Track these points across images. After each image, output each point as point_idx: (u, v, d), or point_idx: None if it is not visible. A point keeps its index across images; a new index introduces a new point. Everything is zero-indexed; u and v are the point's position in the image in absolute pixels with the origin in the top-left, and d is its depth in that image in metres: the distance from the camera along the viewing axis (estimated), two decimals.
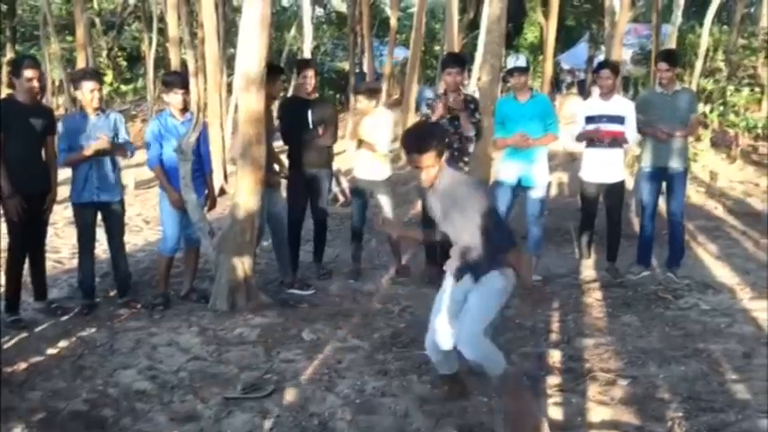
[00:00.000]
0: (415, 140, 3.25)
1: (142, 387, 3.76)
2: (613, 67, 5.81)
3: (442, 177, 3.27)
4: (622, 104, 5.66)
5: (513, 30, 22.27)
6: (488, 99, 5.69)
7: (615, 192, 5.78)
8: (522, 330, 4.64)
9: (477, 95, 6.73)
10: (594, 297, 5.41)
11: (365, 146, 5.69)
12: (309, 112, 5.58)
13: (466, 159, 5.52)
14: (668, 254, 5.89)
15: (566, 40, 26.51)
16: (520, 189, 5.63)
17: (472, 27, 20.50)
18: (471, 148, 5.61)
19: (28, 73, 4.62)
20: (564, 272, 6.06)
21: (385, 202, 5.83)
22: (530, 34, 26.94)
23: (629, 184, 7.04)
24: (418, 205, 7.28)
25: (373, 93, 5.89)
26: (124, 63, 24.43)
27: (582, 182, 5.90)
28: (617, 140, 5.57)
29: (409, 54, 16.02)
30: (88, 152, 4.79)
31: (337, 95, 22.20)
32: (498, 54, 5.73)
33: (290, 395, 3.64)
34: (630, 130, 5.57)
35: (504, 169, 5.64)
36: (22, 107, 4.65)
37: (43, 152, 4.83)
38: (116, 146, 4.94)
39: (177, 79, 5.24)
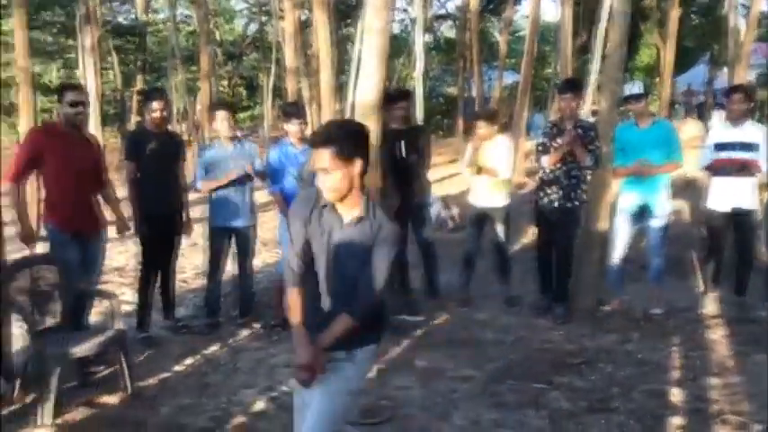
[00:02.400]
0: (324, 130, 2.44)
1: (263, 407, 3.88)
2: (746, 91, 5.54)
3: (369, 207, 2.45)
4: (755, 131, 5.37)
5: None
6: (607, 125, 5.51)
7: (745, 222, 5.48)
8: (644, 366, 4.46)
9: (591, 120, 6.60)
10: (720, 333, 5.12)
11: (485, 172, 5.66)
12: (402, 143, 5.63)
13: (584, 188, 5.42)
14: None
15: (683, 61, 25.52)
16: (640, 218, 5.45)
17: (583, 51, 20.13)
18: (589, 178, 5.49)
19: (155, 104, 4.96)
20: (686, 305, 5.77)
21: (501, 229, 5.81)
22: (645, 56, 26.14)
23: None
24: (533, 231, 7.16)
25: (494, 118, 5.89)
26: (243, 91, 25.57)
27: (709, 211, 5.63)
28: (749, 169, 5.29)
29: (520, 78, 15.91)
30: (225, 180, 5.08)
31: (445, 120, 22.30)
32: (618, 79, 5.55)
33: (405, 423, 3.66)
34: (764, 158, 5.28)
35: (625, 198, 5.48)
36: (152, 135, 5.00)
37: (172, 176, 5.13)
38: (257, 172, 5.21)
39: (295, 109, 5.47)
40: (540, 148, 5.52)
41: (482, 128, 5.70)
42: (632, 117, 5.56)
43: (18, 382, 3.96)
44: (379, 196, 5.16)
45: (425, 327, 5.34)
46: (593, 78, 12.07)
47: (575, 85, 5.65)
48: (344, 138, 2.36)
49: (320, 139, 2.38)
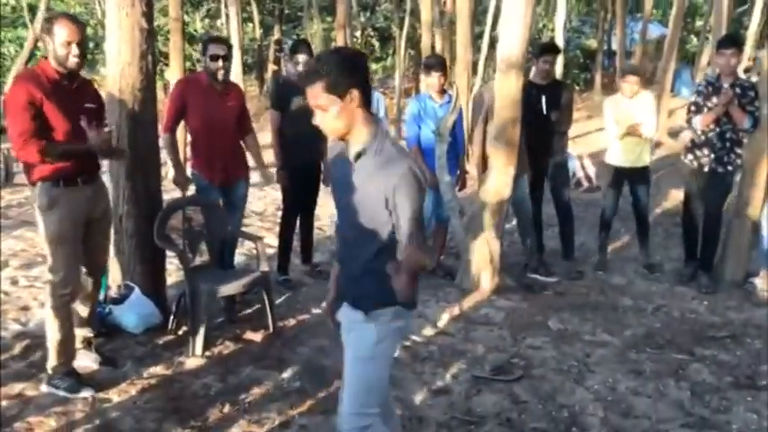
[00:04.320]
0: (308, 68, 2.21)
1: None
2: None
3: (373, 143, 2.15)
4: None
5: None
6: None
7: None
8: None
9: (752, 79, 6.12)
10: None
11: (631, 130, 5.40)
12: (543, 99, 5.44)
13: (738, 152, 5.06)
14: None
15: None
16: None
17: (739, 2, 18.59)
18: (745, 140, 5.12)
19: (301, 57, 5.04)
20: None
21: (643, 191, 5.57)
22: None
23: None
24: (675, 194, 6.81)
25: (640, 74, 5.62)
26: (376, 42, 25.65)
27: None
28: None
29: (665, 31, 14.96)
30: None
31: (582, 75, 21.40)
32: None
33: (537, 382, 3.63)
34: None
35: None
36: (294, 86, 5.09)
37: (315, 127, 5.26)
38: None
39: (436, 62, 5.41)
40: (692, 107, 5.18)
41: (630, 83, 5.44)
42: None
43: (172, 315, 4.29)
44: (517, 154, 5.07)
45: (559, 288, 5.25)
46: (752, 30, 11.19)
47: (735, 41, 5.25)
48: (335, 69, 2.09)
49: (309, 74, 2.13)
